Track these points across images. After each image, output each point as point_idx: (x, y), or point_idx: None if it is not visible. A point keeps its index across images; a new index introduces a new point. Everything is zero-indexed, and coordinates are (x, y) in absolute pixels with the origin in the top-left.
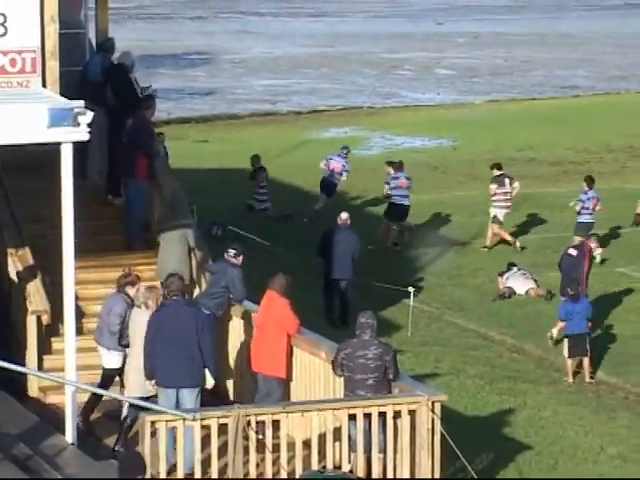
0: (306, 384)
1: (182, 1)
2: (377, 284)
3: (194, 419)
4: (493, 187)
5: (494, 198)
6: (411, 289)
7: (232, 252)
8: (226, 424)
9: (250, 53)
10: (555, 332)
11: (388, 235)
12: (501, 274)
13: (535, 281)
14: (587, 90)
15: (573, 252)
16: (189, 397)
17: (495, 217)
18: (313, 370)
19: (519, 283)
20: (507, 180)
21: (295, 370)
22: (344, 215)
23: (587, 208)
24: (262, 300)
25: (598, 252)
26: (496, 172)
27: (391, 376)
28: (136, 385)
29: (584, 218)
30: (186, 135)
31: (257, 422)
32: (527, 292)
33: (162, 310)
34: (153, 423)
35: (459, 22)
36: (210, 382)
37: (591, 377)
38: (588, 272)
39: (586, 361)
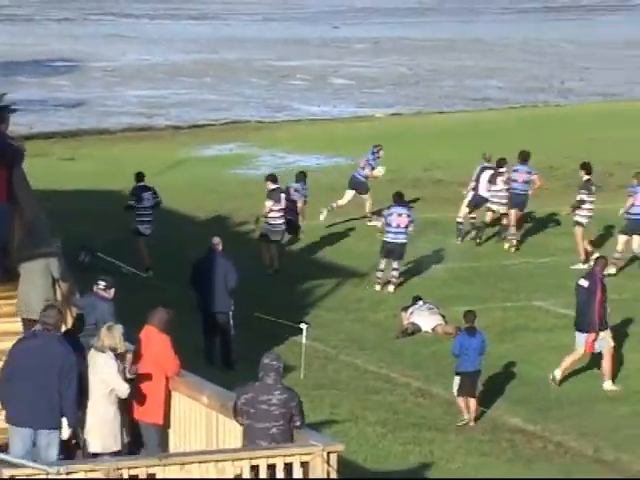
0: (186, 432)
1: (46, 0)
2: (264, 318)
3: (58, 473)
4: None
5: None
6: (304, 325)
7: (102, 284)
8: (96, 479)
9: (123, 60)
10: (558, 373)
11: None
12: (405, 309)
13: (442, 317)
14: (501, 102)
15: (584, 283)
16: (47, 441)
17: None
18: (194, 417)
19: (425, 319)
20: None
21: (174, 416)
22: (215, 240)
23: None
24: (139, 337)
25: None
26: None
27: (298, 424)
28: None
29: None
30: (50, 152)
31: (130, 476)
32: (434, 329)
33: (29, 341)
34: (12, 478)
35: (358, 26)
36: (65, 433)
37: (475, 419)
38: (601, 303)
39: (472, 402)
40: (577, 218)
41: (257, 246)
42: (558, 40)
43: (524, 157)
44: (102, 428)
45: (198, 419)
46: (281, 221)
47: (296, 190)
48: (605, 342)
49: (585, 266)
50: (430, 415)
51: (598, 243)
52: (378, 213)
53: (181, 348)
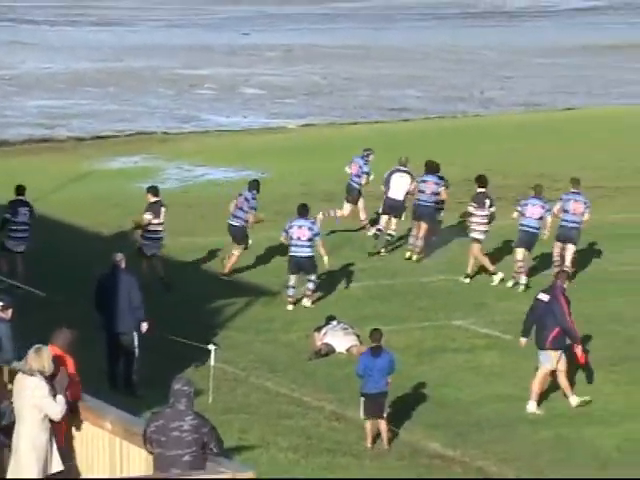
0: (89, 459)
1: None
2: (171, 339)
3: None
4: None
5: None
6: (212, 346)
7: None
8: None
9: (22, 68)
10: (533, 405)
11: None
12: (318, 329)
13: (358, 337)
14: (418, 113)
15: (544, 297)
16: None
17: None
18: (97, 443)
19: (339, 339)
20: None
21: (76, 443)
22: (118, 256)
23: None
24: None
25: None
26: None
27: (215, 450)
28: None
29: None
30: None
31: None
32: (348, 350)
33: None
34: None
35: (269, 32)
36: None
37: (388, 442)
38: (570, 314)
39: (383, 424)
40: (473, 234)
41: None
42: (478, 47)
43: (432, 167)
44: (39, 453)
45: (101, 446)
46: (159, 235)
47: (246, 199)
48: (561, 359)
49: (498, 278)
50: (345, 440)
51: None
52: (373, 223)
53: (84, 370)
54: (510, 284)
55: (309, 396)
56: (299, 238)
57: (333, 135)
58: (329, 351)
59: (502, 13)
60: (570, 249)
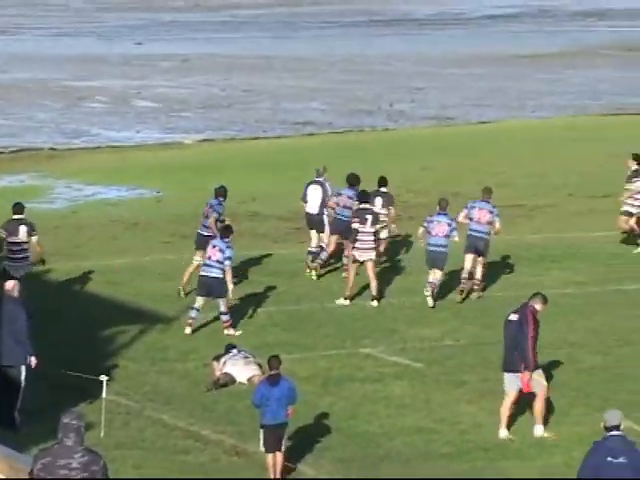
0: None
1: None
2: (60, 370)
3: None
4: None
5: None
6: (104, 377)
7: None
8: None
9: None
10: (504, 432)
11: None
12: (217, 358)
13: (259, 366)
14: (323, 127)
15: (514, 317)
16: None
17: None
18: None
19: (239, 369)
20: None
21: None
22: (9, 284)
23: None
24: None
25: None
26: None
27: None
28: None
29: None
30: None
31: None
32: (249, 380)
33: None
34: None
35: (164, 42)
36: None
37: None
38: (535, 340)
39: (279, 457)
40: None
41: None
42: (387, 57)
43: (351, 181)
44: None
45: None
46: (21, 256)
47: (211, 206)
48: (537, 383)
49: (375, 303)
50: (245, 475)
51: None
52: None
53: None
54: (431, 303)
55: (208, 429)
56: (210, 258)
57: (233, 151)
58: (229, 381)
59: (411, 21)
60: (479, 262)
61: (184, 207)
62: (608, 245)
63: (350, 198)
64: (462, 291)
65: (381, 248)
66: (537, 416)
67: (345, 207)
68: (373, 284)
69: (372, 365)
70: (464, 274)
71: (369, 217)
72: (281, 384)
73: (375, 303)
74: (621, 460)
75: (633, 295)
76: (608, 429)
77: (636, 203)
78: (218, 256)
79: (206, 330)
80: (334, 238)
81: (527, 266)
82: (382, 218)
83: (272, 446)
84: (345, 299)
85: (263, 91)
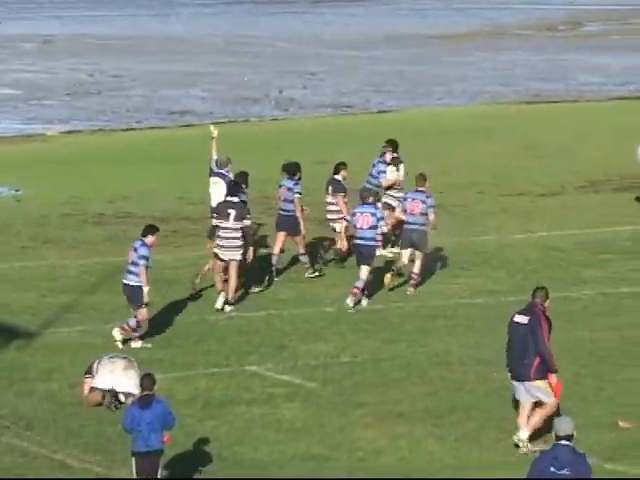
0: None
1: None
2: None
3: None
4: None
5: None
6: None
7: None
8: None
9: None
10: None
11: None
12: (89, 372)
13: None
14: (204, 117)
15: (522, 319)
16: None
17: None
18: None
19: (119, 377)
20: None
21: None
22: None
23: None
24: None
25: None
26: None
27: None
28: None
29: None
30: None
31: None
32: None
33: None
34: None
35: (25, 20)
36: None
37: None
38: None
39: None
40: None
41: None
42: (275, 38)
43: (289, 170)
44: None
45: None
46: None
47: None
48: (544, 393)
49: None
50: None
51: None
52: None
53: None
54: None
55: (74, 458)
56: (126, 261)
57: (102, 144)
58: (108, 399)
59: None
60: (417, 256)
61: (46, 207)
62: (525, 249)
63: (290, 189)
64: (394, 271)
65: (340, 244)
66: (529, 425)
67: (286, 200)
68: (232, 284)
69: (259, 385)
70: (399, 264)
71: (232, 212)
72: (154, 407)
73: (228, 308)
74: (565, 472)
75: (553, 305)
76: (557, 438)
77: None
78: (132, 256)
79: (72, 345)
80: (281, 235)
81: (432, 273)
82: (331, 208)
83: (145, 476)
84: (228, 305)
85: (136, 76)
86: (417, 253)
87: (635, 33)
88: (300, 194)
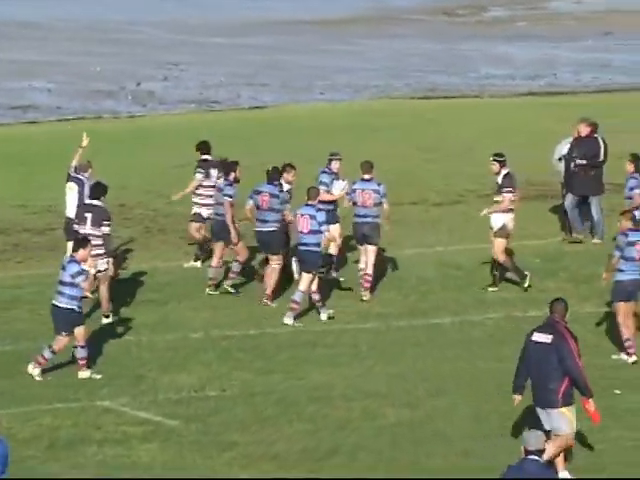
0: None
1: None
2: None
3: None
4: None
5: None
6: None
7: None
8: None
9: None
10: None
11: None
12: None
13: None
14: (50, 113)
15: (545, 339)
16: None
17: None
18: None
19: None
20: None
21: None
22: None
23: None
24: None
25: None
26: None
27: None
28: None
29: None
30: None
31: None
32: None
33: None
34: None
35: None
36: None
37: None
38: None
39: None
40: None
41: None
42: (131, 23)
43: (272, 175)
44: None
45: None
46: None
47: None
48: (567, 421)
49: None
50: None
51: None
52: None
53: None
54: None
55: None
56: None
57: None
58: None
59: None
60: (369, 251)
61: None
62: (419, 266)
63: (273, 196)
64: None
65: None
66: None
67: (271, 209)
68: (104, 296)
69: (113, 422)
70: (362, 266)
71: (88, 215)
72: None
73: (104, 320)
74: None
75: (449, 331)
76: (527, 452)
77: None
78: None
79: None
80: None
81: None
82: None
83: None
84: (106, 317)
85: None
86: (368, 248)
87: (544, 19)
88: (231, 197)
